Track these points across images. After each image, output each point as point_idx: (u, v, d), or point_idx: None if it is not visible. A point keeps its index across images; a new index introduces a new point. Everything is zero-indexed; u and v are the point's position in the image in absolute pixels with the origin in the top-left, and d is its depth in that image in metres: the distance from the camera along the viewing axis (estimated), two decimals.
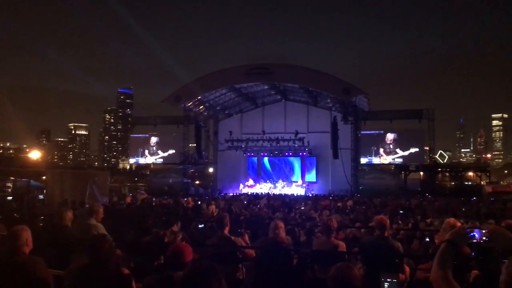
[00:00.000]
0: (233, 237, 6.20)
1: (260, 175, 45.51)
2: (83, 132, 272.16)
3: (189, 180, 45.87)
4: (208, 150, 48.41)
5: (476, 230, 2.77)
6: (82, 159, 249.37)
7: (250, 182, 43.29)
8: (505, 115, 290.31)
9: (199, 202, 21.21)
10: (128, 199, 21.76)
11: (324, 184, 43.37)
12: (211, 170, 48.74)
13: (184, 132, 45.55)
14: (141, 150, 48.71)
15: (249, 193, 36.55)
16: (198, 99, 43.86)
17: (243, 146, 42.53)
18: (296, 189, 41.06)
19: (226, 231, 6.22)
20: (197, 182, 47.77)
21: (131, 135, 51.54)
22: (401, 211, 17.03)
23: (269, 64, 41.75)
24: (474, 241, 2.74)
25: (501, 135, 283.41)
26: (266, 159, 45.87)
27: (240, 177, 44.63)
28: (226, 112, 48.08)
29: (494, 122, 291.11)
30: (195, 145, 44.73)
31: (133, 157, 50.02)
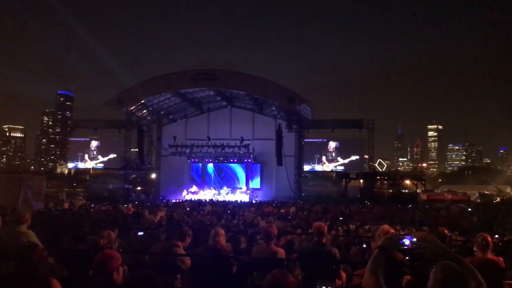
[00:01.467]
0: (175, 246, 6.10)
1: (204, 181, 45.19)
2: (19, 135, 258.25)
3: (131, 186, 44.69)
4: (151, 155, 47.58)
5: (407, 236, 2.87)
6: (16, 162, 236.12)
7: (194, 188, 42.83)
8: (440, 126, 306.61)
9: (141, 209, 20.66)
10: (66, 205, 20.84)
11: (268, 190, 43.73)
12: (153, 176, 47.80)
13: (126, 136, 44.50)
14: (81, 154, 47.04)
15: (193, 200, 36.10)
16: (141, 103, 42.99)
17: (187, 151, 42.16)
18: (240, 196, 41.08)
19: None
20: (138, 188, 46.60)
21: (71, 139, 49.76)
22: (341, 218, 17.43)
23: (216, 70, 41.73)
24: (405, 247, 2.84)
25: (436, 145, 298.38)
26: (210, 165, 45.65)
27: (184, 184, 44.08)
28: (171, 117, 47.42)
29: (430, 133, 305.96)
30: (137, 150, 43.91)
31: (72, 161, 48.17)
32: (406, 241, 2.85)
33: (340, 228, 12.94)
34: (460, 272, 2.54)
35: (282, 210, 22.87)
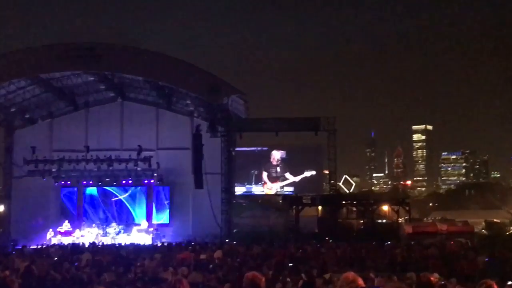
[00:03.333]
0: None
1: (82, 215, 44.29)
2: None
3: None
4: None
5: None
6: None
7: (65, 226, 41.76)
8: (429, 127, 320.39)
9: None
10: None
11: (182, 227, 43.51)
12: (0, 208, 46.19)
13: None
14: None
15: (64, 245, 35.27)
16: None
17: (54, 170, 41.43)
18: (138, 236, 40.57)
19: None
20: None
21: None
22: (290, 264, 17.67)
23: (97, 43, 41.28)
24: None
25: (424, 154, 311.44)
26: (91, 190, 44.92)
27: (49, 219, 42.90)
28: (27, 116, 46.05)
29: (415, 137, 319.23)
30: None
31: None
32: None
33: (289, 279, 13.11)
34: None
35: (202, 256, 22.88)
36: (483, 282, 5.85)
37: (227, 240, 37.44)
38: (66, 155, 41.35)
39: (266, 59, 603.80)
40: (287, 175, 44.38)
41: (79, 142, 42.69)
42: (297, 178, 44.13)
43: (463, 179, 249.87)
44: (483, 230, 48.12)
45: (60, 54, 39.53)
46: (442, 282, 11.96)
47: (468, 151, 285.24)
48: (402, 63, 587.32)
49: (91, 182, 43.82)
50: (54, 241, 38.97)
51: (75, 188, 44.81)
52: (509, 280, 12.82)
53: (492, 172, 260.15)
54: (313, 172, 44.33)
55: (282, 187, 44.58)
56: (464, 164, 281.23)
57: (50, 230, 41.29)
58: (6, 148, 45.87)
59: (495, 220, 54.59)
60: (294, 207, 44.15)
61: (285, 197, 44.80)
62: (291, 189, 44.52)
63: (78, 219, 43.85)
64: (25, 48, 41.71)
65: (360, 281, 4.63)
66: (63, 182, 43.63)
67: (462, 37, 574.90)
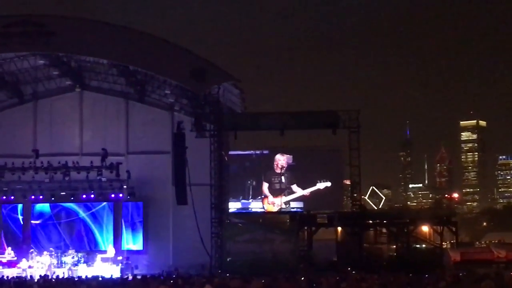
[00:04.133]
0: None
1: (30, 240, 44.35)
2: None
3: None
4: None
5: None
6: None
7: (8, 255, 41.80)
8: (482, 123, 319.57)
9: None
10: None
11: (160, 254, 43.70)
12: None
13: None
14: None
15: (6, 278, 35.29)
16: None
17: None
18: (103, 267, 40.55)
19: None
20: None
21: None
22: None
23: (48, 16, 41.79)
24: None
25: (476, 159, 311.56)
26: (41, 207, 45.01)
27: None
28: None
29: (464, 135, 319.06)
30: None
31: None
32: None
33: None
34: None
35: None
36: None
37: (218, 272, 37.47)
38: (9, 162, 41.55)
39: (269, 39, 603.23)
40: (294, 187, 44.07)
41: (25, 145, 43.01)
42: (307, 191, 43.91)
43: None
44: None
45: None
46: None
47: None
48: (446, 42, 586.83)
49: (41, 197, 43.75)
50: None
51: (21, 205, 44.92)
52: None
53: None
54: (328, 184, 43.95)
55: (287, 203, 44.30)
56: None
57: None
58: None
59: None
60: (305, 228, 44.20)
61: (293, 215, 44.60)
62: (299, 205, 44.17)
63: (25, 245, 43.83)
64: None
65: None
66: (4, 198, 43.72)
67: None
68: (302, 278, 29.36)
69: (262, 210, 44.48)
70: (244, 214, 44.32)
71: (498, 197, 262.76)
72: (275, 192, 44.14)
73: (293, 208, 44.44)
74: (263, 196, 44.07)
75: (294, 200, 44.13)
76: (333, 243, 45.02)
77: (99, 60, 42.23)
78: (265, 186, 44.13)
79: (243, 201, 44.23)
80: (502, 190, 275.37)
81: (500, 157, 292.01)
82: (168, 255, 43.47)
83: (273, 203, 44.16)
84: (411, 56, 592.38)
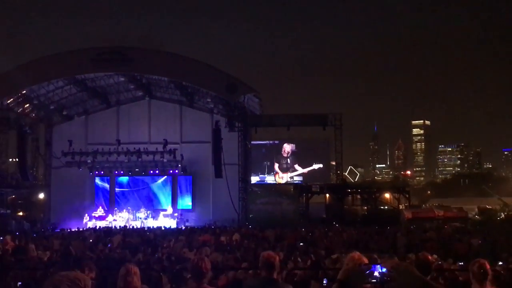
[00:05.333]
0: None
1: (114, 202, 44.57)
2: None
3: (8, 211, 43.22)
4: (38, 167, 46.50)
5: (375, 266, 2.98)
6: None
7: (100, 212, 42.11)
8: (427, 122, 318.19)
9: (24, 242, 20.05)
10: None
11: (204, 212, 43.68)
12: (41, 196, 46.51)
13: (0, 141, 43.20)
14: None
15: (98, 228, 35.49)
16: (22, 94, 41.81)
17: (89, 161, 41.59)
18: (164, 220, 40.79)
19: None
20: (20, 213, 45.20)
21: None
22: (301, 244, 17.73)
23: (127, 47, 41.47)
24: (374, 280, 2.95)
25: (423, 147, 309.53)
26: (122, 179, 45.21)
27: (85, 206, 43.14)
28: (65, 113, 46.38)
29: (415, 131, 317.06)
30: (17, 160, 42.73)
31: None
32: (375, 273, 2.95)
33: (299, 259, 13.16)
34: None
35: (222, 238, 22.97)
36: (476, 261, 5.84)
37: (244, 224, 37.65)
38: (100, 148, 41.49)
39: (277, 59, 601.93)
40: (297, 166, 44.38)
41: (111, 136, 42.96)
42: (306, 170, 44.13)
43: (458, 169, 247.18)
44: (476, 216, 47.76)
45: (94, 57, 39.78)
46: (439, 262, 11.97)
47: (462, 144, 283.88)
48: (405, 62, 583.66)
49: (122, 172, 44.20)
50: (90, 225, 39.44)
51: (108, 178, 45.20)
52: (500, 261, 12.79)
53: (485, 163, 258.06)
54: (321, 165, 44.27)
55: (292, 177, 44.62)
56: (459, 156, 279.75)
57: (86, 215, 41.67)
58: (46, 142, 46.33)
59: (487, 206, 54.25)
60: (304, 195, 44.21)
61: (296, 186, 44.84)
62: (300, 178, 44.59)
63: (111, 205, 44.20)
64: (63, 52, 42.04)
65: (365, 260, 4.67)
66: (97, 172, 44.12)
67: (458, 38, 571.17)
68: (302, 229, 29.51)
69: (274, 182, 44.69)
70: (262, 185, 44.52)
71: (438, 174, 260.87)
72: (283, 170, 44.41)
73: (296, 181, 44.77)
74: (274, 172, 44.31)
75: (296, 175, 44.42)
76: (323, 205, 45.03)
77: (162, 78, 42.57)
78: (276, 165, 44.38)
79: (260, 176, 44.54)
80: (441, 169, 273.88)
81: (440, 146, 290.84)
82: (209, 212, 43.52)
83: (282, 178, 44.47)
84: (380, 71, 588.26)
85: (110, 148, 41.20)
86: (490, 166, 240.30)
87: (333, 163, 46.05)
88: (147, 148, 41.42)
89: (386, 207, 47.90)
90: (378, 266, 2.99)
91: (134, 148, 41.09)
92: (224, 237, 23.64)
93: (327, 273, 9.52)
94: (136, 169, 43.42)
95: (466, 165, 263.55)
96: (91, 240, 22.43)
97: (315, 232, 27.34)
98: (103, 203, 44.33)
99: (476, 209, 50.96)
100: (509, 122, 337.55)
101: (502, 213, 50.30)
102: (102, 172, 44.24)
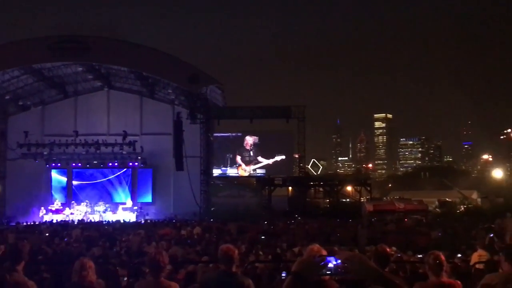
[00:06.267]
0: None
1: (72, 195, 44.06)
2: None
3: None
4: None
5: (329, 258, 2.98)
6: None
7: (56, 205, 41.55)
8: (389, 115, 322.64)
9: None
10: None
11: (164, 205, 43.56)
12: None
13: None
14: None
15: (55, 221, 35.03)
16: None
17: (45, 153, 41.18)
18: (124, 214, 40.51)
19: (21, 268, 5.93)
20: None
21: None
22: (262, 237, 17.79)
23: (85, 36, 41.13)
24: (328, 271, 2.96)
25: (385, 140, 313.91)
26: (80, 171, 44.73)
27: (41, 199, 42.48)
28: (21, 103, 45.59)
29: (377, 124, 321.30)
30: None
31: None
32: (329, 264, 2.96)
33: (261, 252, 13.19)
34: None
35: (183, 232, 22.94)
36: (431, 252, 5.92)
37: (205, 218, 37.61)
38: (57, 139, 40.98)
39: (240, 51, 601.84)
40: (260, 158, 44.60)
41: (68, 128, 42.37)
42: (269, 162, 44.40)
43: (419, 162, 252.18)
44: (436, 208, 48.62)
45: (51, 46, 39.25)
46: (398, 255, 12.17)
47: (423, 137, 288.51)
48: (367, 55, 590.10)
49: (80, 164, 43.68)
50: (46, 218, 38.75)
51: (65, 170, 44.66)
52: (459, 253, 13.06)
53: (445, 156, 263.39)
54: (283, 156, 44.64)
55: (255, 170, 44.78)
56: (420, 149, 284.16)
57: (42, 208, 41.04)
58: (1, 133, 45.43)
59: (447, 199, 55.31)
60: (266, 187, 44.43)
61: (258, 178, 45.08)
62: (263, 171, 44.80)
63: (68, 198, 43.66)
64: (19, 40, 41.35)
65: (324, 252, 4.68)
66: (54, 164, 43.55)
67: (420, 31, 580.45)
68: (265, 222, 29.63)
69: (237, 174, 44.84)
70: (224, 177, 44.56)
71: (399, 167, 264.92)
72: (246, 162, 44.57)
73: (258, 173, 45.01)
74: (237, 165, 44.43)
75: (259, 168, 44.60)
76: (286, 198, 45.37)
77: (121, 68, 42.12)
78: (239, 158, 44.51)
79: (222, 168, 44.65)
80: (402, 162, 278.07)
81: (401, 139, 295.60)
82: (169, 206, 43.43)
83: (245, 170, 44.58)
84: (343, 64, 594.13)
85: (68, 140, 40.67)
86: (451, 159, 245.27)
87: (296, 155, 46.32)
88: (105, 140, 41.09)
89: (347, 200, 48.52)
90: (333, 258, 2.99)
91: (92, 140, 40.75)
92: (185, 230, 23.58)
93: (288, 266, 9.55)
94: (94, 162, 42.97)
95: (427, 158, 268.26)
96: (47, 234, 22.06)
97: (277, 224, 27.52)
98: (60, 196, 43.74)
99: (436, 202, 51.91)
100: (470, 114, 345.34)
101: (461, 206, 51.33)
102: (59, 164, 43.61)
